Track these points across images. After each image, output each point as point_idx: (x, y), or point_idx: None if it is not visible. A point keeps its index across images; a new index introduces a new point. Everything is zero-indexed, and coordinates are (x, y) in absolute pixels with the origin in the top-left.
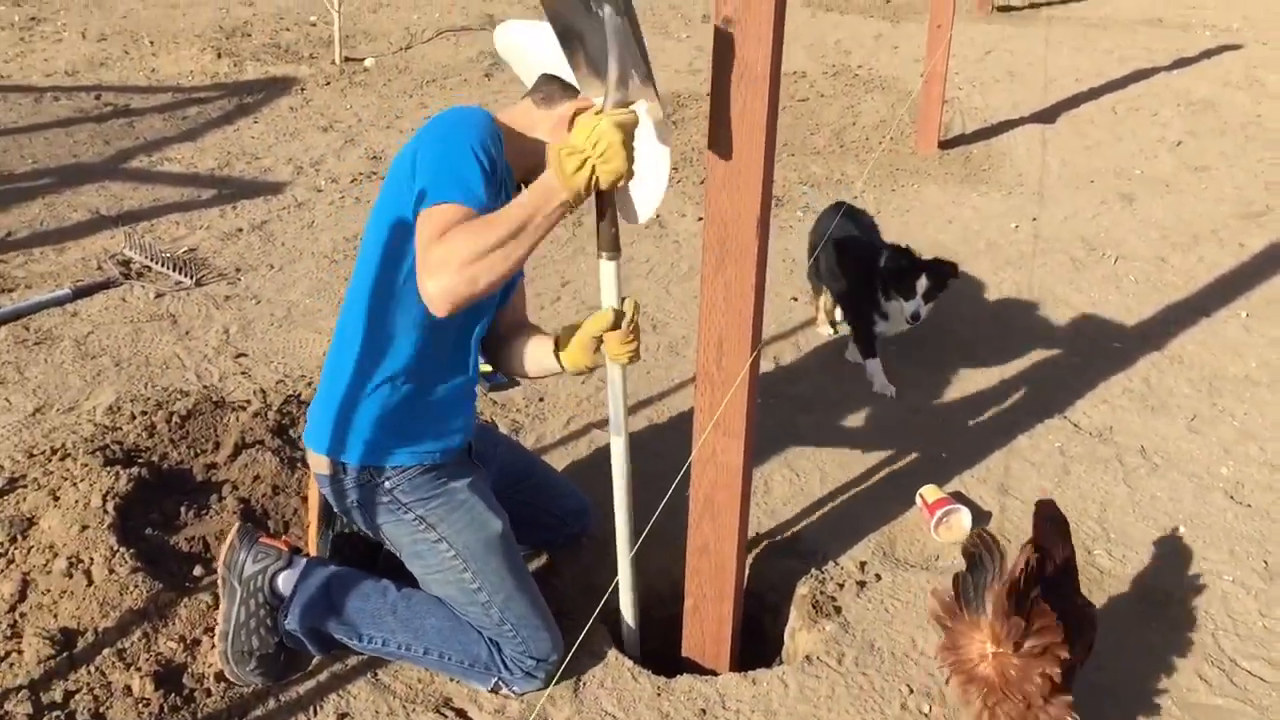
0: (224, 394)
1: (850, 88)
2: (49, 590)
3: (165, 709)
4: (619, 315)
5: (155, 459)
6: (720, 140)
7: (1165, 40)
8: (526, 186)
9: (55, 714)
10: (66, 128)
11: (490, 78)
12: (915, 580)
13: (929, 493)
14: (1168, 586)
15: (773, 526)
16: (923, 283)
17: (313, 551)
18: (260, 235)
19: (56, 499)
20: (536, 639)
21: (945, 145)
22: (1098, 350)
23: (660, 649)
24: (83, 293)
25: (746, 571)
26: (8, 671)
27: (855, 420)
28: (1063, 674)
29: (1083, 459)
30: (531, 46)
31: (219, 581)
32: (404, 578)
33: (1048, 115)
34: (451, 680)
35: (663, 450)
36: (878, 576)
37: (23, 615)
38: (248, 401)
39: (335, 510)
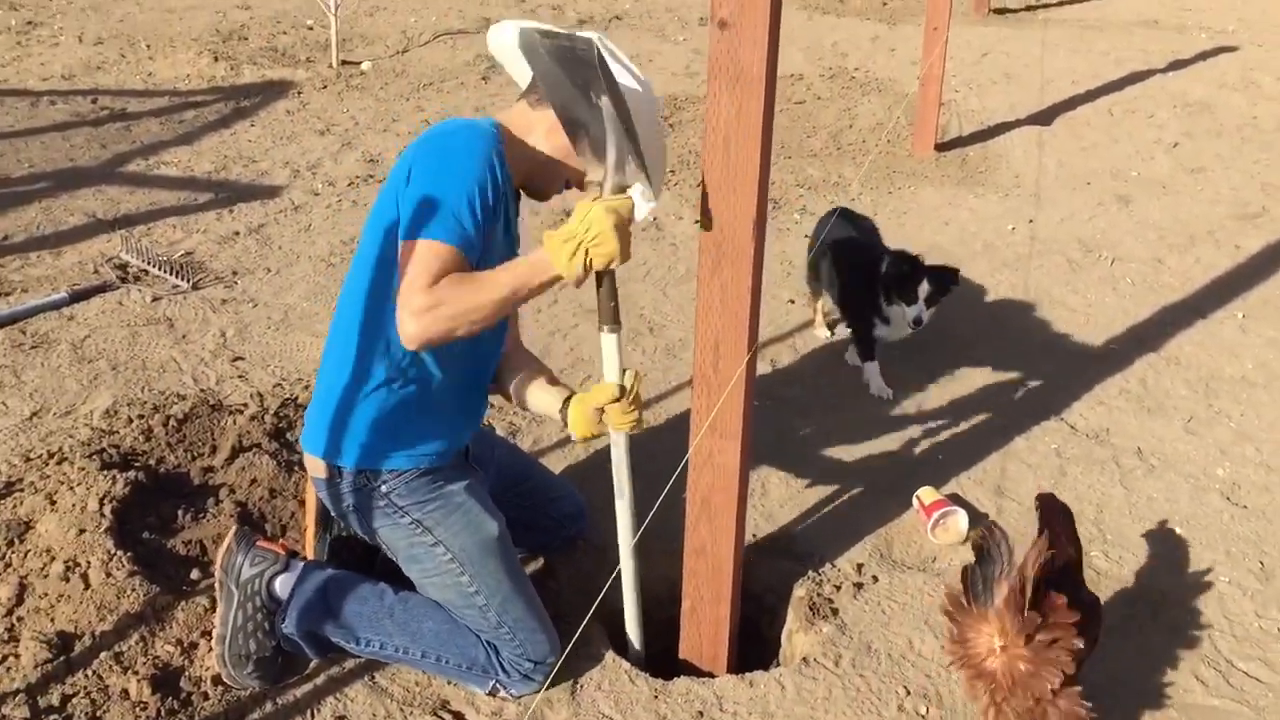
0: (221, 397)
1: (847, 90)
2: (46, 594)
3: (162, 712)
4: (622, 388)
5: (152, 463)
6: (716, 143)
7: (1161, 42)
8: (525, 190)
9: (52, 718)
10: (63, 132)
11: (487, 81)
12: (912, 582)
13: (926, 495)
14: (1164, 588)
15: (770, 528)
16: (925, 287)
17: (310, 555)
18: (257, 239)
19: (53, 503)
20: (534, 641)
21: (942, 147)
22: (1094, 352)
23: (658, 651)
24: (79, 296)
25: (743, 573)
26: (5, 675)
27: (852, 422)
28: (1073, 666)
29: (1079, 460)
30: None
31: (216, 585)
32: (401, 581)
33: (1044, 117)
34: (449, 683)
35: (659, 452)
36: (875, 578)
37: (20, 619)
38: (245, 405)
39: (332, 514)
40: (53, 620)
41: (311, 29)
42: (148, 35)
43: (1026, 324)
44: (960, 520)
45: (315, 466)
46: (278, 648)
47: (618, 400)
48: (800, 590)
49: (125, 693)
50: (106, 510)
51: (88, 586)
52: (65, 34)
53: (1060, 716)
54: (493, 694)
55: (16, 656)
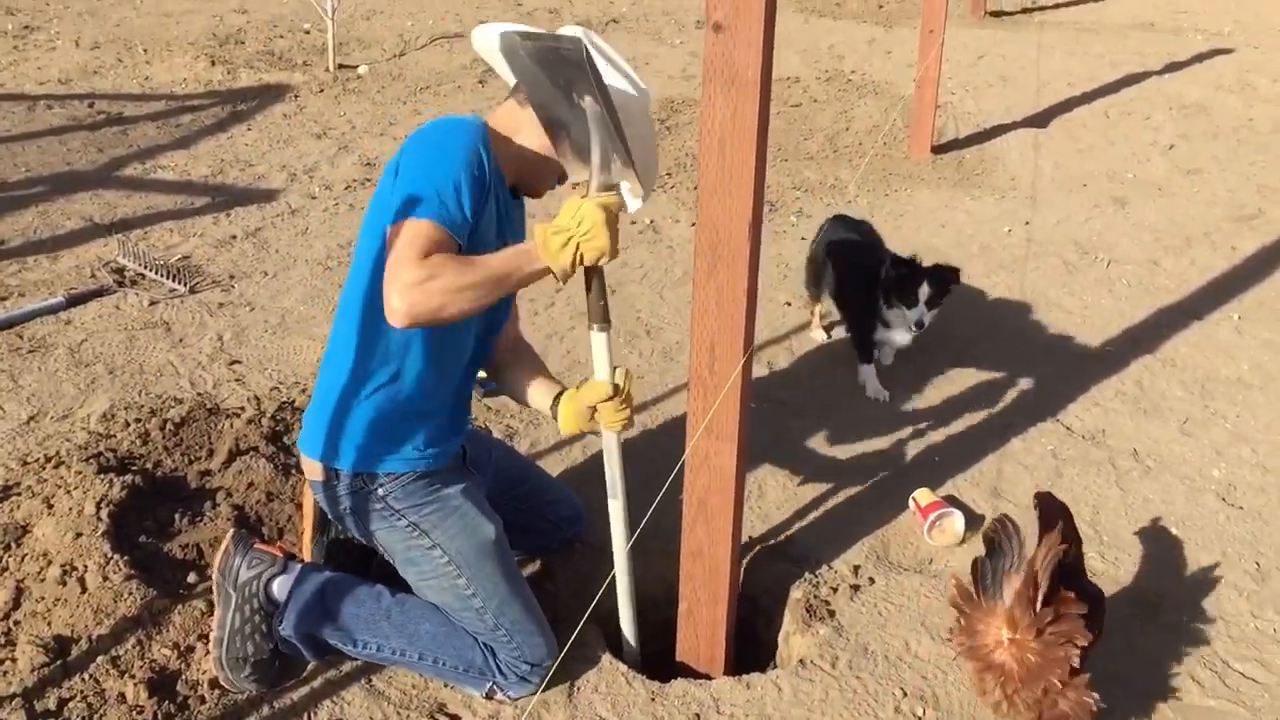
0: (218, 401)
1: (843, 93)
2: (43, 598)
3: (159, 716)
4: (614, 387)
5: (149, 466)
6: (712, 145)
7: (1157, 44)
8: (518, 189)
9: None
10: (60, 136)
11: (484, 84)
12: (908, 584)
13: (922, 496)
14: (1160, 588)
15: (766, 530)
16: (925, 290)
17: (307, 558)
18: (254, 242)
19: (50, 507)
20: (531, 644)
21: (938, 150)
22: (1090, 353)
23: (655, 653)
24: (76, 300)
25: (740, 575)
26: (1, 680)
27: (848, 424)
28: (1081, 658)
29: (1075, 462)
30: None
31: (213, 588)
32: (398, 583)
33: (1040, 119)
34: (446, 686)
35: (656, 454)
36: (871, 580)
37: (16, 623)
38: (242, 409)
39: (329, 516)
40: (49, 624)
41: (308, 33)
42: (144, 39)
43: (1022, 326)
44: (957, 522)
45: (312, 469)
46: (275, 650)
47: (609, 399)
48: (797, 592)
49: (122, 696)
50: (103, 514)
51: (84, 590)
52: (62, 38)
53: (1070, 706)
54: (489, 696)
55: (13, 660)
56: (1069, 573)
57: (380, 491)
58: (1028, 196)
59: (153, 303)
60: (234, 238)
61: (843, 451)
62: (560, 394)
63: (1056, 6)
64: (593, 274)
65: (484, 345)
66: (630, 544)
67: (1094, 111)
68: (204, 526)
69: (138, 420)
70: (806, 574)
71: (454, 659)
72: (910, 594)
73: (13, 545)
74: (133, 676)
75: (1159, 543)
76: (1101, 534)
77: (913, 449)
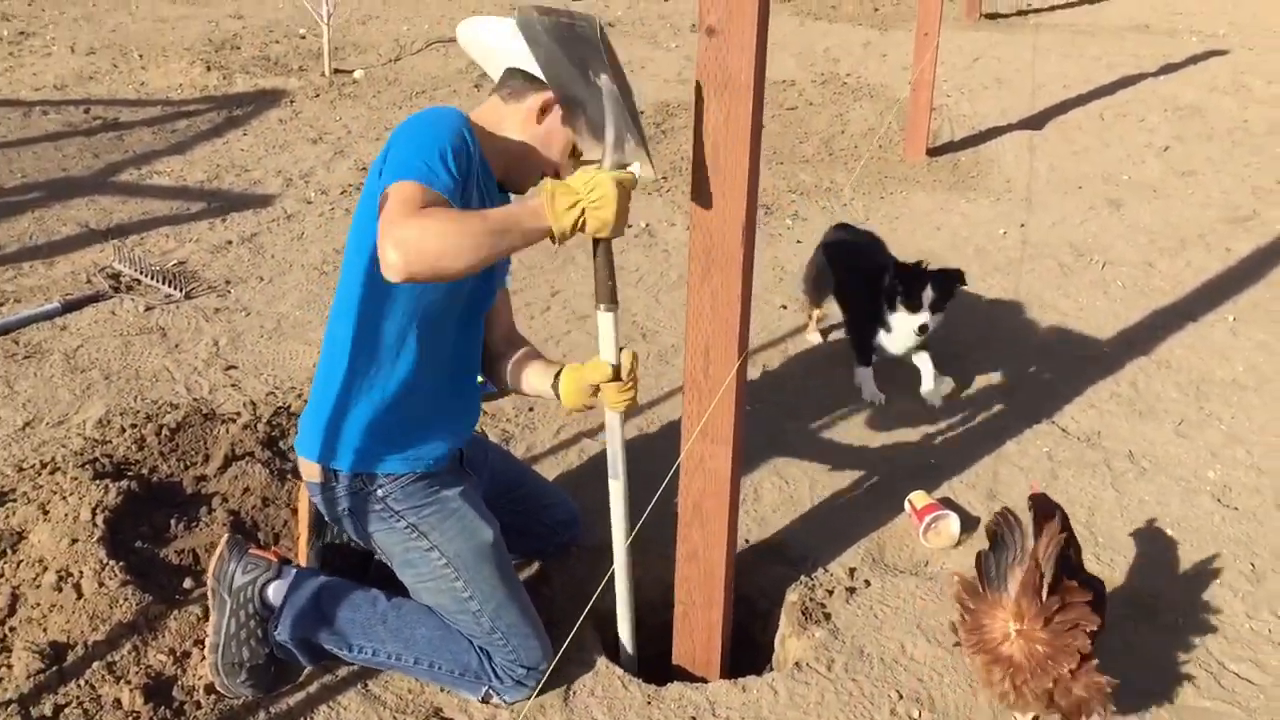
0: (214, 406)
1: (839, 96)
2: (38, 604)
3: None
4: (617, 368)
5: (145, 472)
6: (705, 149)
7: (1152, 46)
8: (505, 184)
9: None
10: (55, 142)
11: (480, 88)
12: (904, 586)
13: (917, 498)
14: (1155, 589)
15: (762, 533)
16: (928, 294)
17: (303, 562)
18: (250, 247)
19: (46, 513)
20: (527, 647)
21: (933, 152)
22: (1085, 355)
23: (651, 656)
24: (72, 306)
25: (736, 578)
26: None
27: (844, 427)
28: (1091, 643)
29: (1071, 464)
30: (495, 42)
31: (209, 593)
32: (394, 588)
33: (1035, 122)
34: (442, 690)
35: (652, 457)
36: (867, 583)
37: (12, 629)
38: (237, 414)
39: (327, 519)
40: (45, 630)
41: (304, 38)
42: (140, 45)
43: (1018, 328)
44: (952, 524)
45: (310, 471)
46: (271, 656)
47: (614, 379)
48: (793, 595)
49: (118, 703)
50: (99, 520)
51: (80, 596)
52: (58, 44)
53: (1084, 689)
54: (485, 700)
55: (9, 667)
56: (1070, 567)
57: (379, 493)
58: (1023, 199)
59: (148, 308)
60: (230, 243)
61: (838, 454)
62: (561, 370)
63: (1052, 9)
64: (599, 251)
65: (477, 330)
66: (632, 529)
67: (1089, 113)
68: (200, 532)
69: (133, 426)
70: (802, 576)
71: (450, 663)
72: (906, 596)
73: (8, 551)
74: (128, 682)
75: (1154, 544)
76: (1097, 535)
77: (908, 451)
